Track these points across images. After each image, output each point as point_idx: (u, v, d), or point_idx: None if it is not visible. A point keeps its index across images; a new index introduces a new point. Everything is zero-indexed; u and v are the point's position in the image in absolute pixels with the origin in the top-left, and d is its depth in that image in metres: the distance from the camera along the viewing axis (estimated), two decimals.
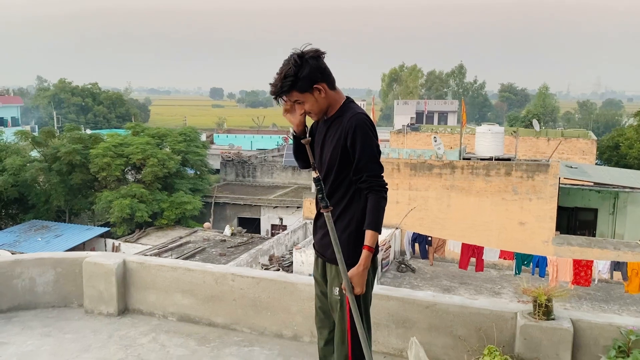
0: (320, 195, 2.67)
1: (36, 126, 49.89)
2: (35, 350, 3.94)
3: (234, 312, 4.28)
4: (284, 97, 2.70)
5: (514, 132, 25.76)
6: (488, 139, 20.28)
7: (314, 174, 2.74)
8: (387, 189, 2.74)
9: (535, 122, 28.00)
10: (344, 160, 2.71)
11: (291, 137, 2.89)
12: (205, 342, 4.10)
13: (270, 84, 2.70)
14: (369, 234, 2.68)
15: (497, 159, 19.39)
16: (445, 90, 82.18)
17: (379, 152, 2.74)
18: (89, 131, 34.28)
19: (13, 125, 45.71)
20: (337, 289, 2.79)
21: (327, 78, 2.70)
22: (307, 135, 2.86)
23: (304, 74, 2.62)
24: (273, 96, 2.72)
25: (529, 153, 26.10)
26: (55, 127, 40.47)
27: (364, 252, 2.68)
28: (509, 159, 19.68)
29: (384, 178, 2.77)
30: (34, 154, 26.44)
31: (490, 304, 3.80)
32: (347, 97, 2.82)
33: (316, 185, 2.67)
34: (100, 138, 26.19)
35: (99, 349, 3.96)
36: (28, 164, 24.02)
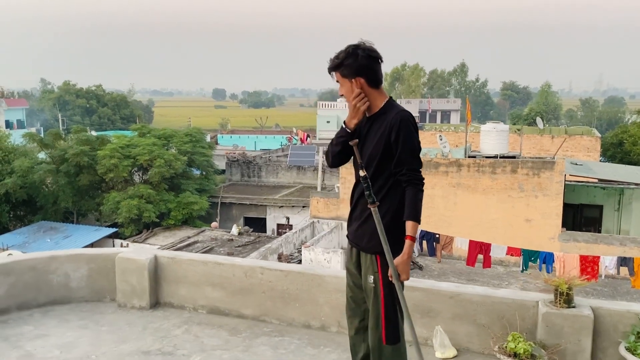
0: (367, 192, 2.81)
1: (42, 128, 50.13)
2: (75, 342, 4.11)
3: (263, 304, 4.44)
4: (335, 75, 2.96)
5: (518, 130, 25.89)
6: (493, 137, 20.42)
7: (362, 173, 2.83)
8: (424, 182, 2.91)
9: (538, 119, 28.14)
10: (385, 154, 2.86)
11: (342, 131, 3.03)
12: (236, 333, 4.27)
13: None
14: (410, 224, 2.84)
15: (503, 157, 19.52)
16: (448, 89, 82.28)
17: (420, 149, 2.93)
18: (94, 133, 34.50)
19: (19, 128, 45.94)
20: (372, 277, 2.95)
21: (370, 75, 2.91)
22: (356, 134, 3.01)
23: (349, 62, 2.87)
24: (328, 70, 2.97)
25: (533, 151, 26.22)
26: (61, 129, 40.72)
27: (407, 242, 2.85)
28: (514, 157, 19.82)
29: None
30: (42, 155, 26.65)
31: (512, 294, 3.96)
32: (390, 97, 3.00)
33: (363, 183, 2.82)
34: (107, 139, 26.39)
35: (136, 340, 4.13)
36: (36, 166, 24.21)
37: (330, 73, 2.96)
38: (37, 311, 4.62)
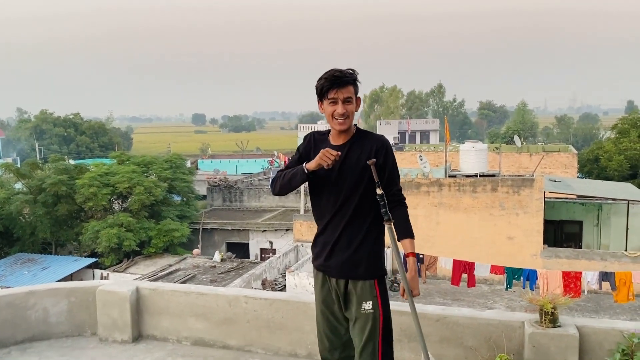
0: (384, 210, 2.84)
1: (18, 158, 49.44)
2: None
3: (248, 333, 4.37)
4: (334, 92, 2.84)
5: (497, 148, 26.24)
6: (472, 156, 20.67)
7: (379, 191, 2.83)
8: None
9: (516, 138, 28.58)
10: (371, 177, 2.86)
11: (304, 174, 2.96)
12: None
13: (330, 74, 2.84)
14: (408, 241, 2.97)
15: (483, 176, 19.74)
16: (426, 109, 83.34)
17: None
18: (72, 161, 34.11)
19: None
20: (370, 302, 2.94)
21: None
22: (300, 155, 3.10)
23: (358, 80, 2.93)
24: (334, 84, 2.83)
25: (512, 169, 26.58)
26: (38, 159, 40.17)
27: (412, 259, 2.97)
28: (493, 175, 20.05)
29: None
30: (18, 186, 26.21)
31: (498, 315, 3.95)
32: (356, 125, 3.05)
33: (380, 201, 2.84)
34: (85, 168, 26.09)
35: None
36: (12, 197, 23.81)
37: (340, 86, 2.84)
38: (15, 349, 4.48)
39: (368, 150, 2.91)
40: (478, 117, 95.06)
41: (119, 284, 4.69)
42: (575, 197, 20.60)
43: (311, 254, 3.21)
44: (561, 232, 20.42)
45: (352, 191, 2.92)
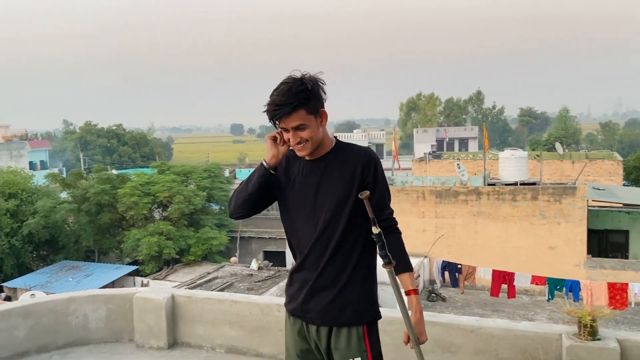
0: (382, 252, 2.33)
1: (64, 168, 51.16)
2: None
3: (280, 342, 4.36)
4: (280, 122, 2.34)
5: (537, 156, 25.66)
6: (512, 164, 20.27)
7: (375, 230, 2.30)
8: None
9: (558, 145, 27.85)
10: (357, 200, 2.36)
11: (263, 169, 2.47)
12: None
13: (271, 102, 2.31)
14: (407, 277, 2.46)
15: (523, 184, 19.32)
16: (464, 117, 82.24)
17: None
18: (115, 171, 35.09)
19: (42, 169, 46.92)
20: (359, 358, 2.42)
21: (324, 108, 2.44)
22: (274, 173, 2.49)
23: (316, 92, 2.34)
24: (274, 117, 2.32)
25: (553, 176, 25.91)
26: (83, 169, 41.50)
27: (414, 297, 2.46)
28: (534, 183, 19.60)
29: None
30: (64, 195, 27.10)
31: (534, 326, 3.86)
32: (336, 137, 2.56)
33: (378, 242, 2.32)
34: (127, 178, 26.78)
35: None
36: (58, 206, 24.61)
37: (281, 118, 2.32)
38: (56, 353, 4.62)
39: (352, 166, 2.40)
40: (518, 124, 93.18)
41: (155, 291, 4.79)
42: (621, 205, 19.93)
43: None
44: (606, 242, 19.74)
45: (334, 216, 2.38)
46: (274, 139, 2.43)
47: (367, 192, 2.29)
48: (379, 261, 2.45)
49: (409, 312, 2.46)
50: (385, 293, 4.26)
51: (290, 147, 2.46)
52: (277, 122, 2.36)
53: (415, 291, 2.47)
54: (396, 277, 2.42)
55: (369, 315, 2.45)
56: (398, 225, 2.54)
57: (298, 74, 2.33)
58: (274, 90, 2.33)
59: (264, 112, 2.35)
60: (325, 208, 2.39)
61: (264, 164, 2.44)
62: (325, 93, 2.39)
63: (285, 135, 2.39)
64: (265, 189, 2.47)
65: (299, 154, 2.42)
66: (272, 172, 2.45)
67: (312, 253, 2.43)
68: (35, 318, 4.64)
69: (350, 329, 2.42)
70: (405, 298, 2.47)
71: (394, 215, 2.56)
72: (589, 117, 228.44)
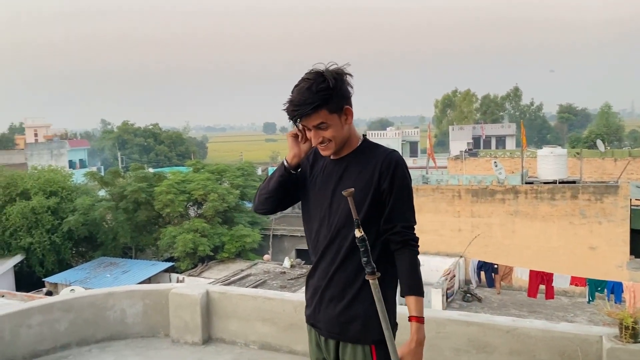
0: (365, 259, 2.09)
1: (102, 167, 52.50)
2: None
3: None
4: (300, 121, 2.22)
5: (577, 153, 25.01)
6: (551, 162, 19.82)
7: (358, 233, 2.09)
8: (419, 244, 2.28)
9: (599, 142, 27.11)
10: (373, 206, 2.21)
11: (283, 168, 2.35)
12: None
13: (290, 101, 2.18)
14: (413, 300, 2.18)
15: (562, 182, 18.87)
16: (501, 113, 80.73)
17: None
18: (151, 170, 35.81)
19: (81, 167, 48.22)
20: None
21: (351, 104, 2.26)
22: (299, 171, 2.37)
23: (339, 89, 2.17)
24: (294, 117, 2.20)
25: (594, 175, 25.21)
26: (120, 167, 42.49)
27: (415, 325, 2.16)
28: (574, 182, 19.12)
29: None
30: (102, 193, 27.80)
31: (573, 328, 3.76)
32: (364, 135, 2.39)
33: (361, 247, 2.09)
34: (163, 176, 27.28)
35: None
36: (96, 204, 25.26)
37: (301, 118, 2.19)
38: (95, 347, 4.74)
39: (370, 170, 2.22)
40: (557, 121, 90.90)
41: (190, 287, 4.87)
42: None
43: None
44: None
45: (347, 222, 2.19)
46: (295, 136, 2.32)
47: (352, 190, 2.09)
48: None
49: (406, 342, 2.17)
50: None
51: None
52: (297, 121, 2.24)
53: (418, 319, 2.16)
54: (380, 294, 2.14)
55: (379, 333, 2.18)
56: (418, 246, 2.25)
57: (321, 68, 2.17)
58: (295, 87, 2.19)
59: (284, 110, 2.22)
60: (339, 213, 2.23)
61: (285, 163, 2.33)
62: (351, 87, 2.23)
63: (308, 134, 2.26)
64: (287, 188, 2.36)
65: (322, 153, 2.30)
66: (292, 171, 2.33)
67: (324, 259, 2.28)
68: (75, 312, 4.77)
69: (355, 346, 2.23)
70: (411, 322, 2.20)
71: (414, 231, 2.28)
72: (633, 114, 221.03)
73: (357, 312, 2.21)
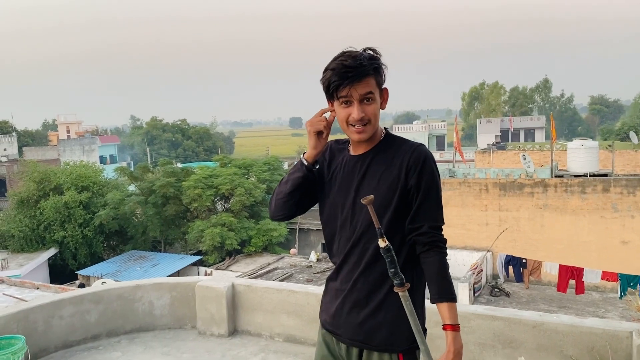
0: (392, 270, 1.94)
1: (132, 162, 53.40)
2: None
3: None
4: (343, 90, 1.99)
5: (609, 146, 24.42)
6: (581, 155, 19.42)
7: (382, 243, 1.92)
8: (447, 246, 2.13)
9: (632, 134, 26.38)
10: (400, 205, 2.05)
11: (302, 167, 2.18)
12: None
13: (339, 64, 1.98)
14: (446, 307, 2.02)
15: (593, 175, 18.47)
16: (530, 106, 79.30)
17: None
18: (179, 165, 36.27)
19: (111, 163, 49.16)
20: None
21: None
22: (317, 167, 2.20)
23: (383, 65, 2.05)
24: (342, 80, 1.97)
25: (627, 168, 24.60)
26: (149, 163, 43.18)
27: (451, 335, 2.00)
28: (605, 175, 18.69)
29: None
30: (132, 188, 28.31)
31: (602, 323, 3.69)
32: (386, 128, 2.21)
33: (386, 257, 1.93)
34: (191, 171, 27.62)
35: None
36: (126, 198, 25.74)
37: (352, 83, 1.97)
38: (124, 338, 4.84)
39: (397, 167, 2.05)
40: (589, 113, 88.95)
41: (216, 280, 4.93)
42: None
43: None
44: None
45: (372, 224, 1.97)
46: (319, 133, 2.12)
47: (371, 197, 1.92)
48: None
49: (444, 353, 2.03)
50: None
51: (332, 140, 2.22)
52: (336, 93, 2.01)
53: (453, 327, 2.00)
54: (412, 306, 1.99)
55: (405, 342, 2.05)
56: (446, 248, 2.09)
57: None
58: (339, 55, 2.01)
59: (325, 79, 2.02)
60: (363, 214, 2.04)
61: (304, 162, 2.15)
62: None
63: (343, 112, 2.03)
64: (305, 189, 2.18)
65: (356, 138, 2.07)
66: (311, 167, 2.16)
67: (347, 262, 2.12)
68: (105, 304, 4.88)
69: (382, 355, 2.08)
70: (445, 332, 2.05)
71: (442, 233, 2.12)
72: None
73: (384, 320, 2.07)
